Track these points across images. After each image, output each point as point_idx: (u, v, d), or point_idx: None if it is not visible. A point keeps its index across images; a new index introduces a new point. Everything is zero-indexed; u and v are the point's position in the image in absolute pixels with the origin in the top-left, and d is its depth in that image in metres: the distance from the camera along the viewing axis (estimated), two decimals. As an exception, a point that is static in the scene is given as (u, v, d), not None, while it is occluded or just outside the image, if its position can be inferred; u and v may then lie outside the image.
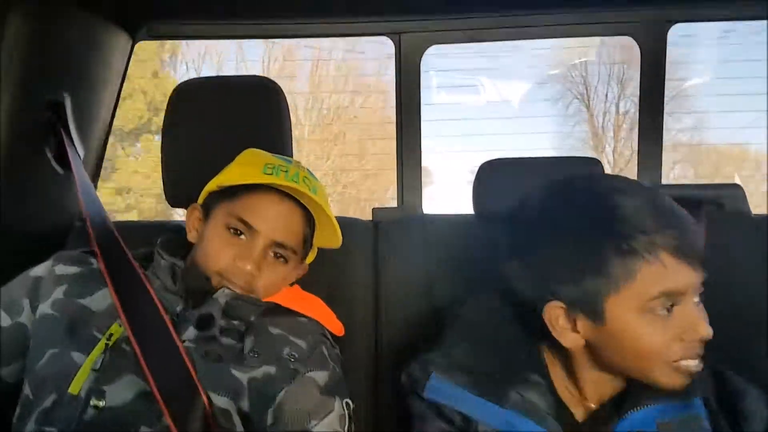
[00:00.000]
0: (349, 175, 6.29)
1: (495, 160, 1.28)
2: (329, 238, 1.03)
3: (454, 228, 1.27)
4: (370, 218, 1.41)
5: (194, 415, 0.80)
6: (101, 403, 0.81)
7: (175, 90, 1.19)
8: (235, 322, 0.92)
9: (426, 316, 1.15)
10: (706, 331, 0.74)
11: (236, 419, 0.86)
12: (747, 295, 1.11)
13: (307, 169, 1.00)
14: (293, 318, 0.97)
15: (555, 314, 0.80)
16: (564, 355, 0.83)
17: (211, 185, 0.99)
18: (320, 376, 0.91)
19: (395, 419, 1.07)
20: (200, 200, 1.02)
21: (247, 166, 0.97)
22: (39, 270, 0.96)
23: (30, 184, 1.18)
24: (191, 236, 1.00)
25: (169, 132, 1.16)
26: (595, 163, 1.24)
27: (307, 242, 1.01)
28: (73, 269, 0.96)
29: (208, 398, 0.83)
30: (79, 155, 1.17)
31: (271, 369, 0.88)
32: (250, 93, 1.21)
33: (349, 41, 5.96)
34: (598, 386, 0.83)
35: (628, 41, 1.54)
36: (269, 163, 0.95)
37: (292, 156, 1.20)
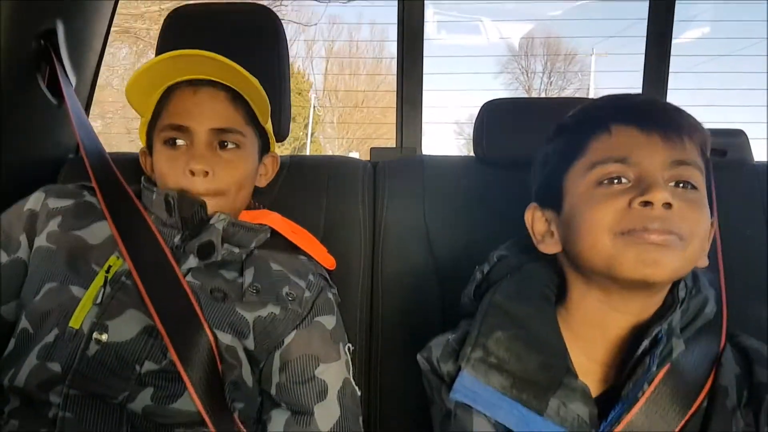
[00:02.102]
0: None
1: (497, 100, 1.25)
2: (263, 107, 0.97)
3: (454, 170, 1.25)
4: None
5: (199, 349, 0.81)
6: (104, 338, 0.81)
7: (167, 17, 1.15)
8: (236, 250, 0.92)
9: (423, 260, 1.15)
10: (657, 193, 0.66)
11: (242, 355, 0.87)
12: (748, 245, 1.11)
13: None
14: (293, 256, 0.97)
15: (531, 216, 0.80)
16: (563, 298, 0.79)
17: (142, 126, 0.99)
18: (328, 321, 0.92)
19: (388, 364, 1.08)
20: (143, 142, 1.00)
21: (146, 84, 0.93)
22: (31, 203, 0.94)
23: (23, 117, 1.15)
24: (153, 178, 0.97)
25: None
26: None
27: (250, 124, 0.97)
28: (66, 202, 0.94)
29: (213, 334, 0.83)
30: (71, 84, 1.13)
31: (276, 309, 0.89)
32: (247, 20, 1.17)
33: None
34: (602, 330, 0.74)
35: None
36: (149, 64, 0.91)
37: (289, 92, 1.17)
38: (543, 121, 1.18)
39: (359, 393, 0.93)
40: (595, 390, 0.73)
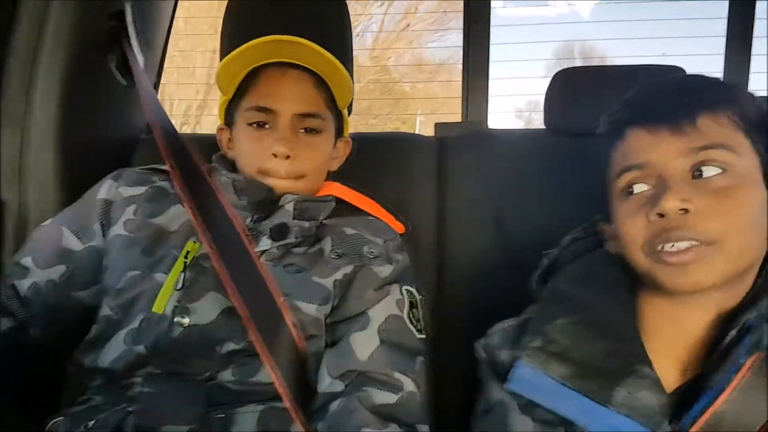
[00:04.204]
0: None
1: (570, 68, 1.20)
2: (344, 91, 0.99)
3: (524, 144, 1.21)
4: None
5: (278, 328, 0.82)
6: (186, 321, 0.83)
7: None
8: (307, 225, 0.93)
9: (493, 240, 1.12)
10: (666, 203, 0.61)
11: (324, 326, 0.88)
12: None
13: None
14: (364, 218, 0.98)
15: (602, 228, 0.78)
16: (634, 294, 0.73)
17: (222, 100, 0.99)
18: (383, 270, 0.91)
19: (453, 348, 1.06)
20: (221, 120, 1.02)
21: (233, 65, 0.94)
22: (103, 191, 0.96)
23: (96, 98, 1.19)
24: (230, 156, 1.00)
25: (226, 42, 1.13)
26: (676, 71, 1.13)
27: (331, 108, 0.98)
28: (140, 189, 0.96)
29: (295, 311, 0.84)
30: (140, 65, 1.15)
31: (349, 268, 0.89)
32: (312, 2, 1.15)
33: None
34: (678, 328, 0.69)
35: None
36: (244, 48, 0.92)
37: (353, 63, 1.15)
38: (618, 89, 1.12)
39: (419, 335, 0.89)
40: (674, 382, 0.68)
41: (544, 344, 0.68)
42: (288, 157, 0.91)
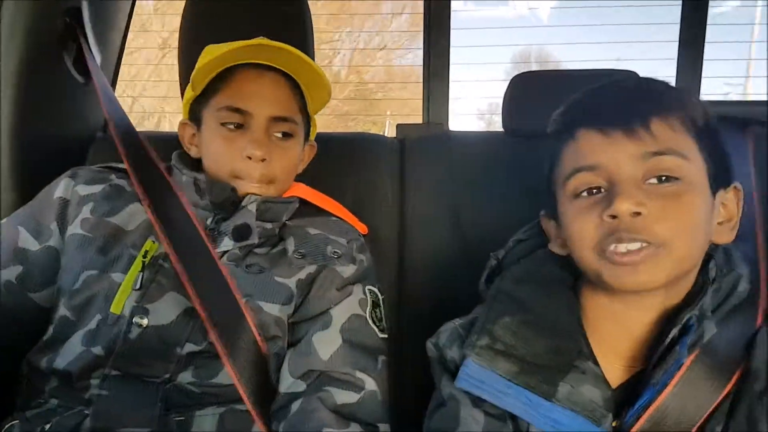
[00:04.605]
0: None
1: (526, 72, 1.22)
2: (319, 93, 0.98)
3: (482, 145, 1.23)
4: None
5: (239, 329, 0.81)
6: (145, 321, 0.82)
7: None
8: (269, 226, 0.92)
9: (452, 238, 1.13)
10: (619, 205, 0.62)
11: (286, 326, 0.88)
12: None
13: None
14: (327, 218, 0.98)
15: (545, 224, 0.79)
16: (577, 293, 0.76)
17: (188, 95, 0.96)
18: (346, 270, 0.91)
19: (416, 343, 1.07)
20: (185, 114, 0.99)
21: (210, 58, 0.91)
22: (60, 190, 0.93)
23: (51, 96, 1.16)
24: (193, 153, 0.97)
25: (185, 38, 1.12)
26: (631, 76, 1.17)
27: (303, 113, 0.97)
28: (96, 188, 0.94)
29: (257, 311, 0.84)
30: (96, 63, 1.13)
31: (312, 268, 0.89)
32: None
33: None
34: (621, 326, 0.71)
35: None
36: (233, 47, 0.91)
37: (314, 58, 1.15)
38: (573, 93, 1.15)
39: (381, 334, 0.90)
40: (619, 377, 0.70)
41: (490, 342, 0.70)
42: (263, 160, 0.90)
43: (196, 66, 0.92)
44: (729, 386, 0.65)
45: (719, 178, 0.68)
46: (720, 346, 0.67)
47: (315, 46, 1.17)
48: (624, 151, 0.65)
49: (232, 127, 0.91)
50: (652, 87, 0.70)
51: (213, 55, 0.89)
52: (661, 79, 0.72)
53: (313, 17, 1.17)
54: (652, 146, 0.65)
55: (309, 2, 1.17)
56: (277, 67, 0.93)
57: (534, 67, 4.71)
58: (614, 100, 0.70)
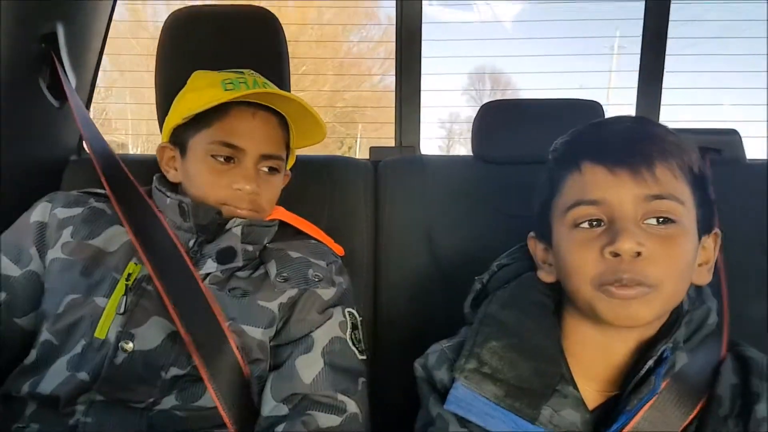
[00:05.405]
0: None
1: (495, 101, 1.27)
2: (312, 131, 1.01)
3: (454, 169, 1.26)
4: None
5: (222, 352, 0.82)
6: (130, 346, 0.83)
7: (169, 19, 1.16)
8: (251, 248, 0.94)
9: (426, 260, 1.16)
10: (623, 245, 0.64)
11: (269, 350, 0.89)
12: (745, 243, 1.12)
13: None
14: (306, 241, 1.00)
15: (532, 246, 0.81)
16: (559, 318, 0.78)
17: (175, 119, 0.96)
18: (326, 293, 0.92)
19: (391, 363, 1.09)
20: (166, 137, 0.99)
21: (206, 89, 0.94)
22: (37, 214, 0.93)
23: (26, 119, 1.16)
24: (171, 176, 0.98)
25: (162, 64, 1.13)
26: (596, 106, 1.23)
27: (287, 147, 1.01)
28: (75, 210, 0.94)
29: (239, 335, 0.85)
30: (72, 86, 1.14)
31: (294, 291, 0.90)
32: (246, 23, 1.17)
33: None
34: (601, 354, 0.74)
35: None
36: (226, 78, 0.94)
37: (290, 88, 1.18)
38: (541, 122, 1.20)
39: (361, 356, 0.92)
40: (593, 400, 0.73)
41: (478, 366, 0.73)
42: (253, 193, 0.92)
43: (189, 95, 0.95)
44: (696, 411, 0.69)
45: (705, 223, 0.73)
46: (689, 374, 0.71)
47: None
48: (629, 191, 0.67)
49: (222, 159, 0.92)
50: (655, 130, 0.72)
51: (204, 81, 0.92)
52: (661, 123, 0.76)
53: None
54: (655, 189, 0.67)
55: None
56: (273, 107, 0.96)
57: (487, 81, 4.87)
58: (620, 138, 0.71)
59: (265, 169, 0.95)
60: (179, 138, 0.96)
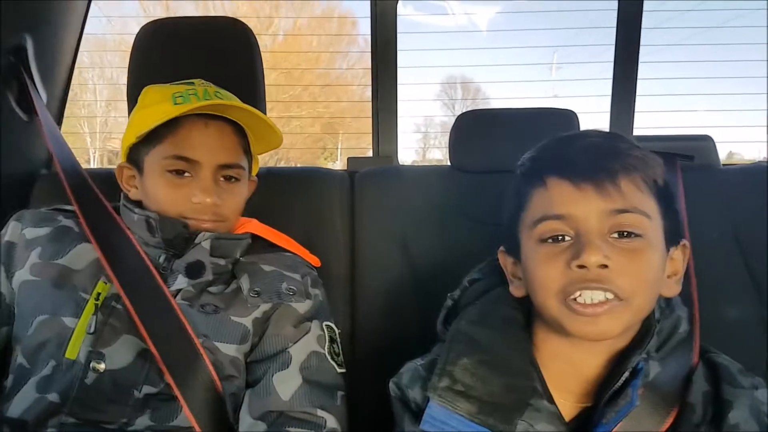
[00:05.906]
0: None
1: (471, 111, 1.27)
2: (268, 138, 0.99)
3: (430, 179, 1.26)
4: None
5: (195, 369, 0.81)
6: (102, 366, 0.81)
7: (141, 31, 1.15)
8: (222, 262, 0.92)
9: (402, 270, 1.16)
10: (589, 257, 0.64)
11: (243, 366, 0.87)
12: (715, 248, 1.13)
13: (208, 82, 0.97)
14: (280, 254, 0.98)
15: (503, 259, 0.81)
16: (530, 332, 0.78)
17: (129, 138, 0.94)
18: (301, 306, 0.91)
19: (368, 374, 1.07)
20: (123, 157, 0.97)
21: (157, 105, 0.92)
22: (8, 234, 0.92)
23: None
24: (133, 195, 0.96)
25: (134, 79, 1.12)
26: (570, 115, 1.24)
27: (247, 153, 0.98)
28: (43, 230, 0.92)
29: (213, 351, 0.83)
30: (42, 100, 1.12)
31: (267, 306, 0.89)
32: (220, 35, 1.16)
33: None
34: (572, 367, 0.74)
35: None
36: (176, 92, 0.92)
37: (265, 101, 1.17)
38: (517, 131, 1.20)
39: (339, 369, 0.91)
40: (568, 413, 0.73)
41: (450, 384, 0.72)
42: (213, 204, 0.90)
43: (141, 112, 0.93)
44: (670, 420, 0.69)
45: (672, 235, 0.73)
46: (662, 382, 0.71)
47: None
48: (594, 205, 0.68)
49: (177, 174, 0.90)
50: (620, 145, 0.72)
51: (154, 97, 0.90)
52: (625, 136, 0.76)
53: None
54: (620, 203, 0.68)
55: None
56: (227, 117, 0.94)
57: (458, 88, 4.93)
58: (585, 153, 0.71)
59: (225, 179, 0.93)
60: (135, 156, 0.94)
